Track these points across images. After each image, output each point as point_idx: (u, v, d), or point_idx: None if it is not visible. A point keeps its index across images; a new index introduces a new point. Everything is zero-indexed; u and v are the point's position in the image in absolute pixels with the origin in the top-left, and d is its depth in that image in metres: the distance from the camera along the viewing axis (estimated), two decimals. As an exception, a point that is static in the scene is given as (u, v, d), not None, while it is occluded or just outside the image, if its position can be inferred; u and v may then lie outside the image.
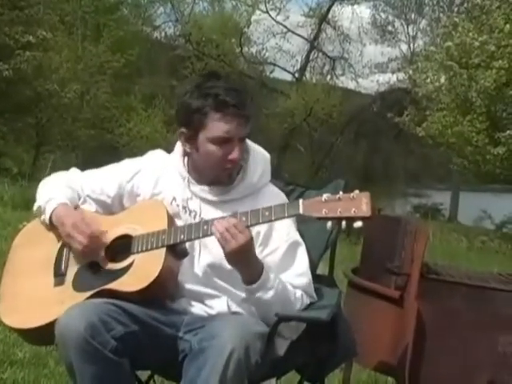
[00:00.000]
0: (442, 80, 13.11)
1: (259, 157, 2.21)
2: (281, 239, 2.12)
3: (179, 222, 2.12)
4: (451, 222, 23.16)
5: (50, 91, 16.35)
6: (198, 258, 2.11)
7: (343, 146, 23.04)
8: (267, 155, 2.25)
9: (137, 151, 2.38)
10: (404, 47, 26.51)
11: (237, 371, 1.81)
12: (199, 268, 2.10)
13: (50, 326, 1.91)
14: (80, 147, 18.34)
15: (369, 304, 2.90)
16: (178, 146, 2.21)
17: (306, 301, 2.09)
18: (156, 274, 1.97)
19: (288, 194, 2.34)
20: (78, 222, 2.08)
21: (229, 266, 2.08)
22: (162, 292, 2.05)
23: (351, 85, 25.27)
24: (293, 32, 24.37)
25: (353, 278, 3.05)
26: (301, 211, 1.92)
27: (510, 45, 11.08)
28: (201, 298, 2.10)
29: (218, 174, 2.12)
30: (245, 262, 1.98)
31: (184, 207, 2.16)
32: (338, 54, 24.70)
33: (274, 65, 24.91)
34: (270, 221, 1.97)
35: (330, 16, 24.30)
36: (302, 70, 24.56)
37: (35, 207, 2.22)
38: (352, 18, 30.70)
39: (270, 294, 2.00)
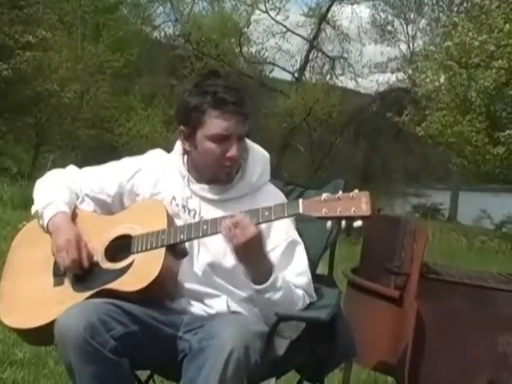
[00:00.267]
0: (442, 80, 13.10)
1: (258, 156, 2.21)
2: (280, 238, 2.12)
3: (179, 222, 2.12)
4: (451, 221, 23.17)
5: (49, 91, 16.33)
6: (197, 258, 2.11)
7: (343, 145, 23.03)
8: (266, 155, 2.25)
9: (136, 151, 2.38)
10: (403, 47, 26.54)
11: (236, 371, 1.81)
12: (199, 267, 2.10)
13: (50, 326, 1.91)
14: (80, 147, 18.33)
15: (368, 304, 2.90)
16: (178, 145, 2.21)
17: (307, 300, 2.09)
18: (156, 273, 1.97)
19: (287, 194, 2.34)
20: (71, 240, 2.06)
21: (228, 265, 2.09)
22: (162, 292, 2.05)
23: (351, 84, 25.29)
24: (292, 32, 24.37)
25: (352, 277, 3.05)
26: (300, 211, 1.92)
27: (509, 44, 11.07)
28: (200, 298, 2.10)
29: (217, 172, 2.11)
30: (253, 259, 1.96)
31: (184, 206, 2.16)
32: (337, 54, 24.70)
33: (274, 64, 24.91)
34: (270, 220, 1.97)
35: (329, 16, 24.28)
36: (302, 69, 24.54)
37: (33, 210, 2.21)
38: (351, 17, 30.92)
39: (279, 294, 1.99)
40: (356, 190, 1.89)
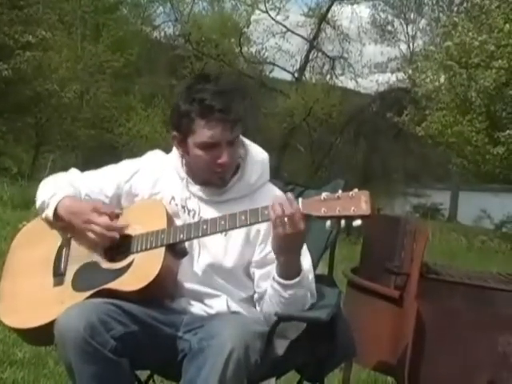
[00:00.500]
0: (442, 80, 13.10)
1: (258, 156, 2.21)
2: None
3: (178, 222, 2.12)
4: (451, 221, 23.17)
5: (49, 91, 16.34)
6: (197, 258, 2.11)
7: (343, 145, 23.02)
8: (266, 155, 2.24)
9: (136, 151, 2.38)
10: (403, 47, 26.54)
11: (236, 371, 1.81)
12: (199, 267, 2.10)
13: (50, 325, 1.91)
14: (80, 147, 18.34)
15: (368, 304, 2.90)
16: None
17: (311, 300, 2.08)
18: (155, 273, 1.97)
19: (287, 194, 2.33)
20: (97, 204, 2.09)
21: (228, 266, 2.09)
22: (162, 291, 2.05)
23: (351, 84, 25.28)
24: (292, 32, 24.37)
25: (352, 277, 3.05)
26: (300, 210, 1.92)
27: (509, 44, 11.07)
28: (200, 298, 2.09)
29: (210, 177, 2.12)
30: (293, 252, 1.95)
31: (183, 207, 2.16)
32: (337, 54, 24.70)
33: (274, 64, 24.91)
34: (270, 220, 1.97)
35: (329, 16, 24.28)
36: (302, 69, 24.54)
37: (38, 203, 2.20)
38: (351, 17, 30.91)
39: (302, 291, 2.00)
40: (355, 189, 1.89)
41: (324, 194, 1.90)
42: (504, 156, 11.81)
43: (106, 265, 2.07)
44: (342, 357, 2.33)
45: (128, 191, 2.22)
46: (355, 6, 24.89)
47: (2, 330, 3.32)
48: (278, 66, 24.83)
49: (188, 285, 2.09)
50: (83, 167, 2.37)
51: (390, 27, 26.28)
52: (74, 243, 2.14)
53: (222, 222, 2.00)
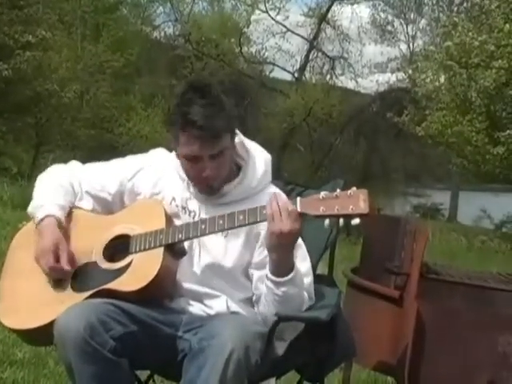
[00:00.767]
0: (442, 80, 13.11)
1: (260, 158, 2.20)
2: None
3: (179, 222, 2.11)
4: (451, 221, 23.17)
5: (49, 91, 16.32)
6: (196, 258, 2.11)
7: (343, 145, 23.02)
8: (268, 156, 2.23)
9: (136, 151, 2.37)
10: (403, 47, 26.53)
11: (236, 371, 1.81)
12: (198, 268, 2.10)
13: (49, 326, 1.91)
14: (80, 147, 18.33)
15: (368, 304, 2.90)
16: None
17: (309, 302, 2.08)
18: (154, 273, 1.97)
19: (287, 194, 2.32)
20: (46, 248, 2.06)
21: (228, 266, 2.08)
22: (161, 291, 2.05)
23: (351, 84, 25.27)
24: (292, 32, 24.37)
25: (352, 277, 3.05)
26: (298, 209, 1.92)
27: (509, 44, 11.07)
28: (200, 298, 2.09)
29: (198, 186, 2.12)
30: (287, 249, 1.95)
31: (183, 207, 2.16)
32: (337, 54, 24.69)
33: (274, 64, 24.91)
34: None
35: (329, 16, 24.27)
36: (302, 69, 24.53)
37: (29, 209, 2.20)
38: (351, 17, 30.92)
39: (296, 290, 2.00)
40: (354, 188, 1.88)
41: (322, 193, 1.90)
42: (504, 156, 11.81)
43: (105, 265, 2.07)
44: (342, 357, 2.33)
45: (131, 189, 2.22)
46: (355, 5, 24.93)
47: (2, 330, 3.31)
48: (278, 66, 24.86)
49: (187, 285, 2.09)
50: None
51: (390, 27, 26.29)
52: (72, 243, 2.13)
53: (221, 222, 1.99)
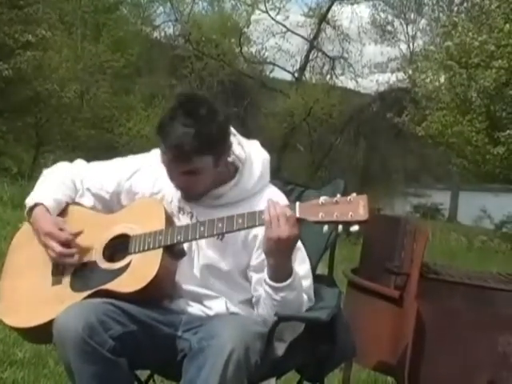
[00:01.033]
0: (442, 80, 13.10)
1: (258, 159, 2.19)
2: None
3: (177, 222, 2.12)
4: (451, 221, 23.17)
5: (49, 91, 16.32)
6: (195, 259, 2.11)
7: (343, 145, 23.00)
8: (266, 156, 2.22)
9: (137, 151, 2.37)
10: (403, 47, 26.50)
11: (236, 372, 1.81)
12: (197, 269, 2.10)
13: (49, 324, 1.92)
14: (80, 147, 18.29)
15: (369, 304, 2.90)
16: None
17: (308, 304, 2.08)
18: (153, 274, 1.97)
19: (287, 194, 2.33)
20: (50, 230, 2.08)
21: (226, 268, 2.08)
22: (160, 292, 2.05)
23: (351, 84, 25.25)
24: (292, 32, 24.34)
25: (353, 277, 3.05)
26: (297, 214, 1.91)
27: (509, 44, 11.06)
28: (199, 299, 2.09)
29: (181, 192, 2.13)
30: (285, 255, 1.94)
31: (181, 208, 2.15)
32: (337, 54, 24.66)
33: (274, 64, 24.88)
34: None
35: (329, 16, 24.24)
36: (302, 69, 24.51)
37: (25, 201, 2.21)
38: (351, 17, 30.85)
39: (294, 294, 1.99)
40: (354, 194, 1.88)
41: (322, 199, 1.89)
42: (504, 156, 11.79)
43: (104, 265, 2.07)
44: (342, 357, 2.33)
45: (128, 189, 2.22)
46: (355, 6, 24.88)
47: (3, 329, 3.32)
48: (278, 66, 24.83)
49: (186, 286, 2.09)
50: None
51: (389, 27, 26.26)
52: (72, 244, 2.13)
53: (220, 225, 1.99)
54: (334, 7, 24.22)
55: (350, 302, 2.94)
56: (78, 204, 2.24)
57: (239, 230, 1.99)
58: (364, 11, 43.16)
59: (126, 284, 2.00)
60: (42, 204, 2.15)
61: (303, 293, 2.05)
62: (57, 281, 2.09)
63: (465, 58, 11.70)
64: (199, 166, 2.01)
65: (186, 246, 2.08)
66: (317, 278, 2.21)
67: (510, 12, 11.34)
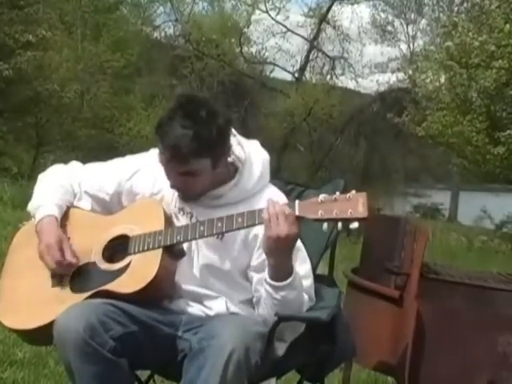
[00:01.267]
0: (442, 80, 13.09)
1: (258, 159, 2.18)
2: None
3: (176, 223, 2.12)
4: (451, 221, 23.15)
5: (49, 91, 16.33)
6: (195, 259, 2.11)
7: (343, 145, 22.99)
8: (266, 157, 2.22)
9: (137, 151, 2.37)
10: (404, 47, 26.49)
11: (236, 372, 1.81)
12: (197, 269, 2.10)
13: (49, 326, 1.92)
14: (80, 147, 18.31)
15: (369, 304, 2.90)
16: None
17: (309, 303, 2.08)
18: (153, 275, 1.97)
19: (287, 194, 2.33)
20: (52, 244, 2.07)
21: (226, 268, 2.08)
22: (160, 293, 2.05)
23: (351, 85, 25.24)
24: (292, 32, 24.34)
25: (353, 277, 3.05)
26: (297, 212, 1.91)
27: (509, 44, 11.05)
28: (199, 299, 2.09)
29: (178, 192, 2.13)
30: (285, 253, 1.94)
31: (181, 208, 2.15)
32: (337, 54, 24.64)
33: (274, 64, 24.88)
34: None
35: (329, 16, 24.23)
36: (302, 69, 24.50)
37: (28, 207, 2.22)
38: (352, 17, 30.78)
39: (294, 293, 1.99)
40: (353, 191, 1.88)
41: (321, 196, 1.90)
42: (504, 156, 11.79)
43: (103, 266, 2.07)
44: (342, 357, 2.33)
45: (129, 190, 2.22)
46: (355, 6, 24.86)
47: (2, 330, 3.30)
48: (278, 66, 24.82)
49: (186, 286, 2.09)
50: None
51: (390, 27, 26.24)
52: (72, 243, 2.13)
53: (219, 224, 1.99)
54: (334, 7, 24.23)
55: (350, 302, 2.94)
56: (77, 207, 2.23)
57: (239, 229, 1.99)
58: (364, 11, 43.11)
59: (126, 284, 2.00)
60: (52, 215, 2.14)
61: (304, 292, 2.05)
62: (57, 282, 2.09)
63: (465, 58, 11.69)
64: (196, 167, 2.01)
65: (185, 246, 2.08)
66: (317, 278, 2.21)
67: (510, 12, 11.34)
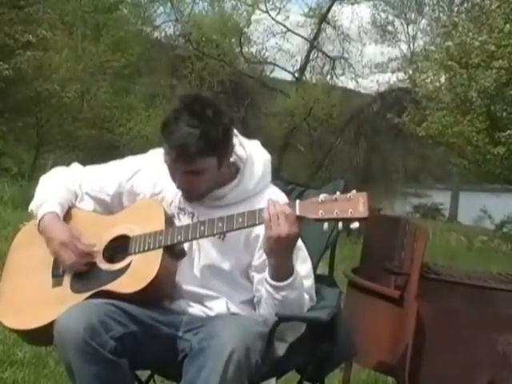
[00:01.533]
0: (442, 80, 13.08)
1: (259, 160, 2.19)
2: None
3: (177, 223, 2.12)
4: (451, 221, 23.16)
5: (50, 91, 16.32)
6: (196, 260, 2.11)
7: (343, 145, 22.99)
8: (267, 157, 2.22)
9: (137, 151, 2.38)
10: (404, 47, 26.50)
11: (237, 372, 1.81)
12: (197, 269, 2.10)
13: (49, 326, 1.92)
14: (80, 147, 18.33)
15: (369, 304, 2.90)
16: None
17: (310, 303, 2.08)
18: (153, 275, 1.97)
19: (288, 194, 2.33)
20: (66, 240, 2.08)
21: (226, 268, 2.08)
22: (160, 293, 2.05)
23: (351, 85, 25.25)
24: (293, 32, 24.34)
25: (353, 277, 3.05)
26: (297, 212, 1.92)
27: (509, 45, 11.04)
28: (200, 300, 2.09)
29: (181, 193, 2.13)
30: (286, 253, 1.94)
31: (182, 208, 2.15)
32: (337, 54, 24.65)
33: (274, 64, 24.87)
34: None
35: (329, 16, 24.23)
36: (302, 69, 24.50)
37: (30, 207, 2.22)
38: (352, 17, 30.76)
39: (295, 293, 1.99)
40: (354, 191, 1.88)
41: (322, 196, 1.90)
42: (504, 156, 11.78)
43: (104, 266, 2.07)
44: (342, 357, 2.34)
45: (130, 190, 2.22)
46: (355, 6, 24.88)
47: (3, 330, 3.30)
48: (278, 66, 24.83)
49: (187, 287, 2.09)
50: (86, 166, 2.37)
51: (390, 27, 26.26)
52: None
53: (220, 224, 1.99)
54: (335, 7, 24.23)
55: (351, 302, 2.94)
56: (78, 208, 2.24)
57: (239, 228, 1.99)
58: (364, 11, 43.12)
59: (127, 285, 2.00)
60: (54, 212, 2.14)
61: (304, 292, 2.05)
62: (57, 282, 2.10)
63: (465, 58, 11.68)
64: (203, 166, 2.02)
65: (186, 246, 2.08)
66: (317, 278, 2.21)
67: (510, 12, 11.33)
